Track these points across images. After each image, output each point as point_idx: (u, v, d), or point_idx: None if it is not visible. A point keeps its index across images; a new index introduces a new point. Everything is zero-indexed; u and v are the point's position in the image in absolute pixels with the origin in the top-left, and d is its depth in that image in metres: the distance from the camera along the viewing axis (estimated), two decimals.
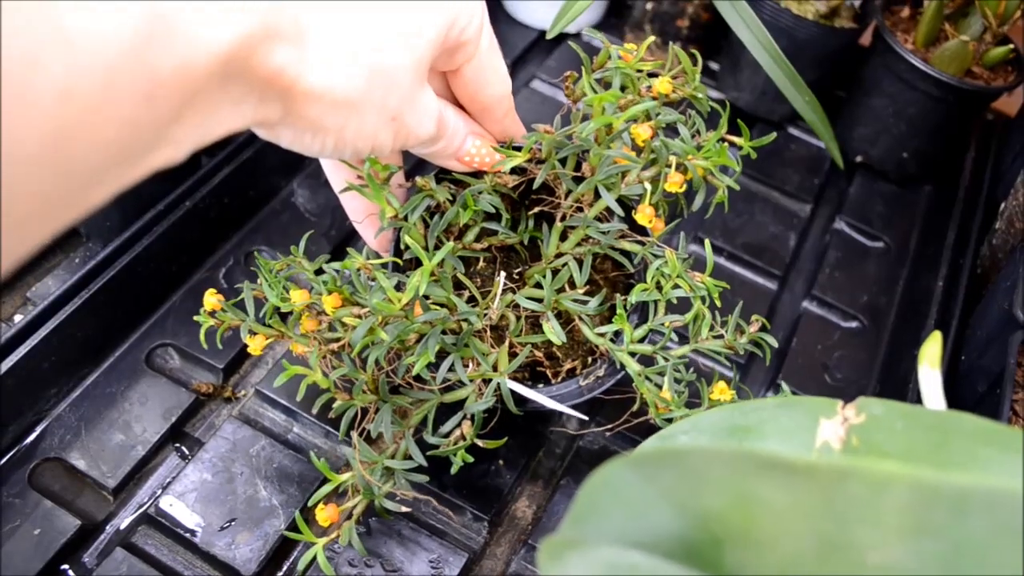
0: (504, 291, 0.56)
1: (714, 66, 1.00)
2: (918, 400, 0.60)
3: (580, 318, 0.57)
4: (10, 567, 0.56)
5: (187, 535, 0.59)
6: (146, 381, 0.65)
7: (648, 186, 0.54)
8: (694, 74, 0.55)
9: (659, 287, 0.56)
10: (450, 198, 0.56)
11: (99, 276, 0.65)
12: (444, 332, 0.53)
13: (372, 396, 0.55)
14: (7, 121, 0.25)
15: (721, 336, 0.56)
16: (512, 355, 0.56)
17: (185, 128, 0.33)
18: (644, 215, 0.53)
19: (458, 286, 0.57)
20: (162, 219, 0.69)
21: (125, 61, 0.28)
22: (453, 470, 0.53)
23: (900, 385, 0.71)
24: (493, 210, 0.56)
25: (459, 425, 0.54)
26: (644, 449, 0.37)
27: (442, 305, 0.55)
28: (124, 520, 0.60)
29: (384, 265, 0.56)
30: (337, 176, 0.55)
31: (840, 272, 0.84)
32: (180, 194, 0.71)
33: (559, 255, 0.58)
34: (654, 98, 0.53)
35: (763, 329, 0.57)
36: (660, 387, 0.54)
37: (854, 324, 0.80)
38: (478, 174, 0.55)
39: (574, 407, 0.56)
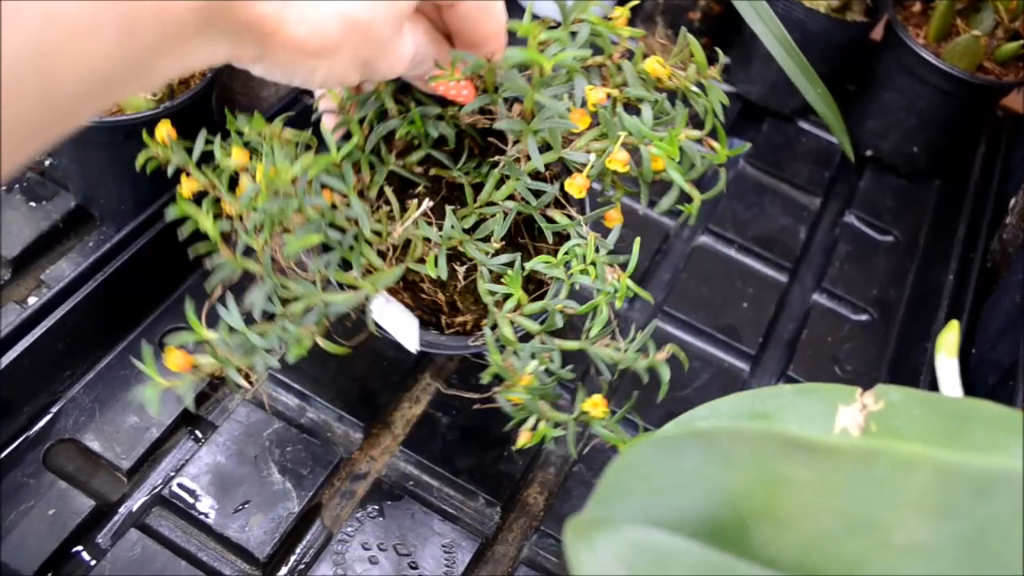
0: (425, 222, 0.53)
1: (725, 59, 1.00)
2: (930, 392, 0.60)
3: (480, 272, 0.53)
4: (25, 547, 0.57)
5: (201, 517, 0.59)
6: (160, 364, 0.66)
7: (592, 157, 0.50)
8: (702, 65, 0.53)
9: (567, 267, 0.51)
10: (404, 110, 0.54)
11: (113, 259, 0.65)
12: (338, 229, 0.51)
13: (255, 264, 0.51)
14: None
15: (619, 349, 0.51)
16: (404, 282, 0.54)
17: (162, 63, 0.33)
18: (575, 185, 0.49)
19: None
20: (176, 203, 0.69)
21: None
22: (290, 359, 0.49)
23: (910, 378, 0.71)
24: (441, 137, 0.54)
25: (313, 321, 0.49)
26: (667, 431, 0.37)
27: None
28: (138, 501, 0.61)
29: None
30: None
31: (850, 265, 0.84)
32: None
33: (490, 204, 0.54)
34: (619, 64, 0.51)
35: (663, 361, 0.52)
36: (524, 370, 0.49)
37: (864, 317, 0.80)
38: (444, 101, 0.53)
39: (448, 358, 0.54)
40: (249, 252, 0.51)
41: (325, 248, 0.51)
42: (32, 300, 0.69)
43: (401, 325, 0.53)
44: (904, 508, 0.29)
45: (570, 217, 0.54)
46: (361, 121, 0.54)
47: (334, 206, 0.50)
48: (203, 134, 0.54)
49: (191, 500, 0.60)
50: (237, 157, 0.52)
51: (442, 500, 0.63)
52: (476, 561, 0.61)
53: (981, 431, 0.37)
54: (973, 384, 0.67)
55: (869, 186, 0.91)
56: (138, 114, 0.62)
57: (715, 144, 0.52)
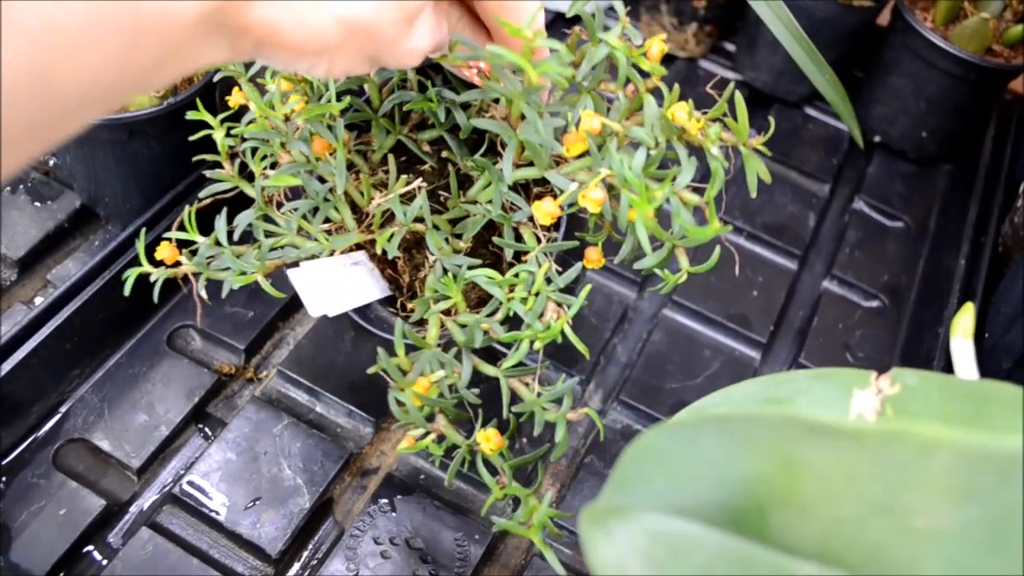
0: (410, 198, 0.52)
1: (731, 47, 0.99)
2: None
3: (433, 266, 0.52)
4: (36, 547, 0.57)
5: (212, 514, 0.59)
6: (168, 362, 0.65)
7: (574, 186, 0.46)
8: (741, 133, 0.49)
9: (511, 290, 0.49)
10: (422, 79, 0.53)
11: (119, 258, 0.65)
12: (320, 180, 0.52)
13: (250, 187, 0.54)
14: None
15: (528, 384, 0.49)
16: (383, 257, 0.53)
17: (163, 70, 0.33)
18: (542, 210, 0.46)
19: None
20: (181, 200, 0.69)
21: (111, 4, 0.29)
22: (233, 284, 0.52)
23: (923, 363, 0.71)
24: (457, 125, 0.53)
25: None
26: (681, 417, 0.36)
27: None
28: (149, 500, 0.60)
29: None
30: None
31: (860, 252, 0.83)
32: (198, 177, 0.70)
33: (474, 202, 0.52)
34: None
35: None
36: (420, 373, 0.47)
37: (875, 303, 0.79)
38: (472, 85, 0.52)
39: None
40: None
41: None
42: (39, 300, 0.69)
43: (346, 286, 0.52)
44: (926, 491, 0.29)
45: (539, 239, 0.51)
46: (383, 85, 0.54)
47: (329, 155, 0.51)
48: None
49: (202, 498, 0.59)
50: (284, 83, 0.53)
51: (454, 493, 0.62)
52: (489, 554, 0.60)
53: (1001, 413, 0.36)
54: (988, 369, 0.67)
55: (878, 172, 0.91)
56: (142, 111, 0.62)
57: (692, 198, 0.47)
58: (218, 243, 0.53)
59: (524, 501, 0.48)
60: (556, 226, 0.53)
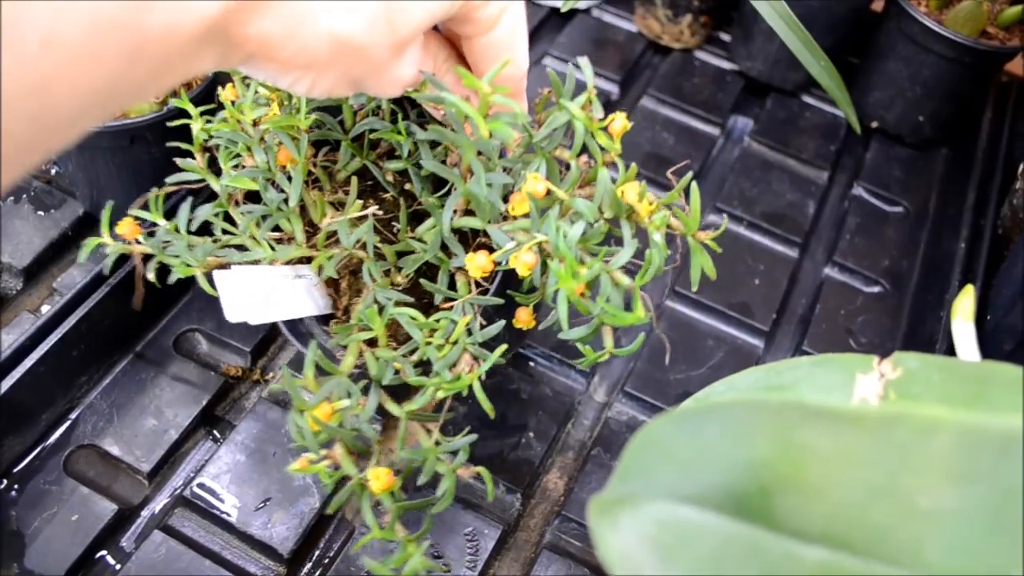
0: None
1: (726, 37, 1.00)
2: None
3: (365, 296, 0.52)
4: (50, 553, 0.57)
5: (224, 516, 0.59)
6: (175, 366, 0.66)
7: (511, 244, 0.46)
8: (691, 227, 0.48)
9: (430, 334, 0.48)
10: (396, 109, 0.54)
11: (124, 265, 0.65)
12: (278, 189, 0.53)
13: (216, 181, 0.55)
14: None
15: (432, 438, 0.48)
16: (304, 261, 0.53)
17: (159, 82, 0.33)
18: (474, 263, 0.45)
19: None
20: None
21: (113, 19, 0.29)
22: (172, 279, 0.54)
23: (926, 347, 0.71)
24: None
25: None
26: (685, 407, 0.37)
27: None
28: (160, 503, 0.61)
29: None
30: None
31: (860, 238, 0.83)
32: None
33: (422, 240, 0.52)
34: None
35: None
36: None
37: (876, 288, 0.80)
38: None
39: None
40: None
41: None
42: (45, 308, 0.69)
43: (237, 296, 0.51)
44: (928, 472, 0.29)
45: (470, 290, 0.50)
46: (359, 109, 0.54)
47: (284, 168, 0.52)
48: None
49: (213, 500, 0.60)
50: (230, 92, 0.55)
51: (463, 489, 0.63)
52: (499, 548, 0.61)
53: (1002, 393, 0.37)
54: (989, 351, 0.67)
55: (876, 157, 0.91)
56: (142, 117, 0.62)
57: (645, 298, 0.44)
58: (177, 230, 0.54)
59: (402, 546, 0.46)
60: (492, 279, 0.52)
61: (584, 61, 0.48)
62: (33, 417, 0.62)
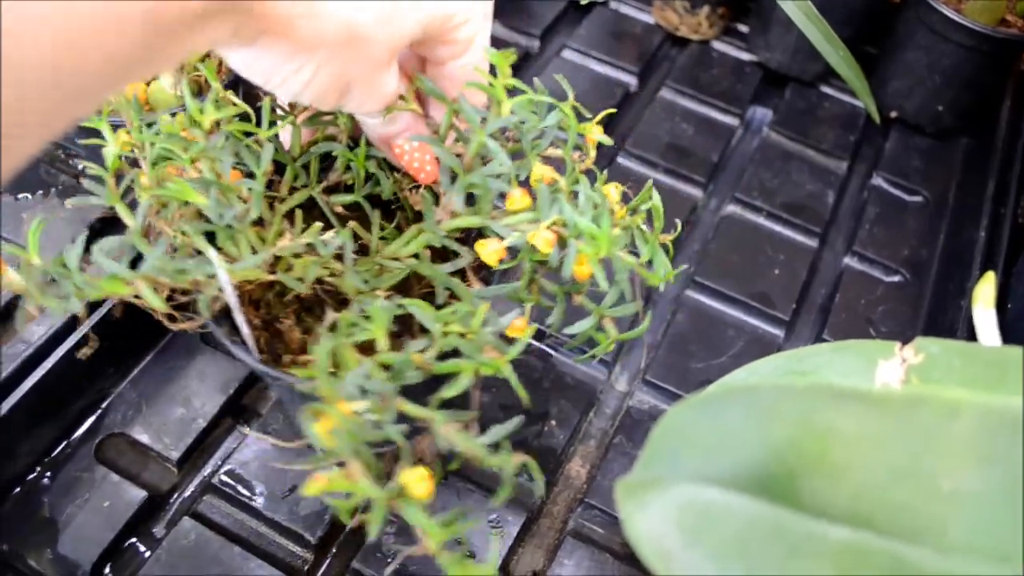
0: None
1: (744, 28, 1.00)
2: None
3: (350, 306, 0.47)
4: (82, 539, 0.58)
5: (251, 503, 0.60)
6: (202, 357, 0.67)
7: (516, 234, 0.45)
8: (658, 215, 0.49)
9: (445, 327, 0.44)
10: (351, 143, 0.52)
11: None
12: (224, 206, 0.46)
13: (126, 211, 0.47)
14: (16, 26, 0.26)
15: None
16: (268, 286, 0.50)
17: (172, 49, 0.34)
18: (488, 250, 0.44)
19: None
20: None
21: None
22: (91, 296, 0.44)
23: (946, 335, 0.71)
24: (379, 193, 0.52)
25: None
26: (711, 390, 0.37)
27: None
28: (189, 490, 0.62)
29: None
30: None
31: (880, 227, 0.84)
32: None
33: (394, 259, 0.50)
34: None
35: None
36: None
37: (896, 278, 0.80)
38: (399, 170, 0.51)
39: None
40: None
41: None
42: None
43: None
44: (951, 454, 0.29)
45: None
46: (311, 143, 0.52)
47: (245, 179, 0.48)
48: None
49: (241, 487, 0.61)
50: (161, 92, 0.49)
51: (487, 476, 0.64)
52: (523, 535, 0.62)
53: (1022, 377, 0.37)
54: (1011, 338, 0.67)
55: (895, 147, 0.91)
56: (167, 111, 0.63)
57: (650, 274, 0.46)
58: (64, 266, 0.44)
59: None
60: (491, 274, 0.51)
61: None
62: (65, 407, 0.63)
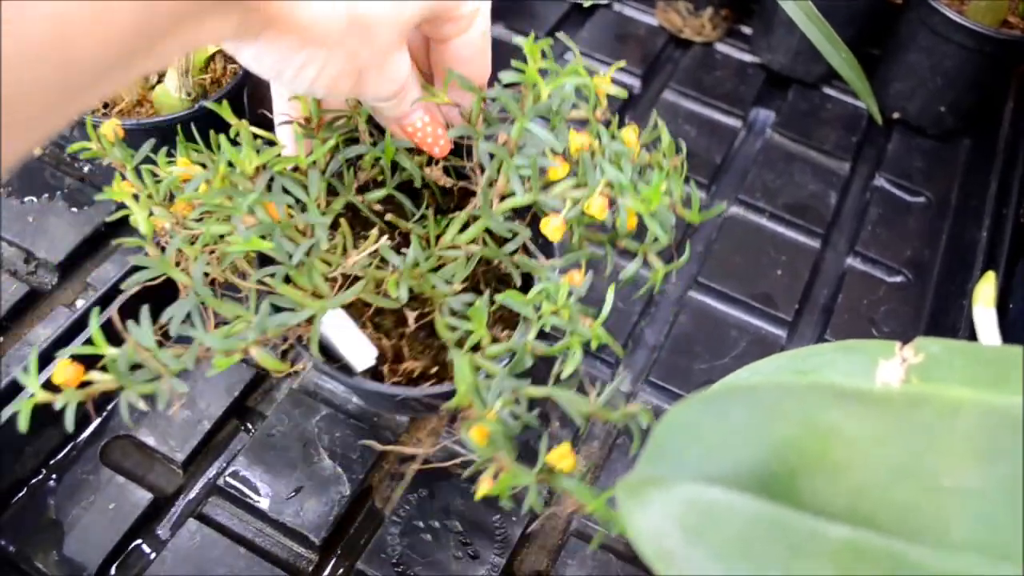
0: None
1: (747, 30, 1.00)
2: None
3: (440, 309, 0.50)
4: (88, 541, 0.58)
5: (256, 504, 0.60)
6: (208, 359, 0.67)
7: (568, 201, 0.47)
8: (670, 151, 0.51)
9: (537, 309, 0.47)
10: (374, 141, 0.52)
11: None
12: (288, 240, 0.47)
13: (183, 276, 0.46)
14: (15, 15, 0.26)
15: (584, 392, 0.46)
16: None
17: (173, 40, 0.33)
18: (551, 226, 0.46)
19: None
20: None
21: None
22: (211, 372, 0.45)
23: (948, 336, 0.71)
24: (412, 181, 0.52)
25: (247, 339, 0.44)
26: (713, 389, 0.37)
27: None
28: (194, 492, 0.62)
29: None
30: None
31: (882, 228, 0.84)
32: None
33: (452, 248, 0.51)
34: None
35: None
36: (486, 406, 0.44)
37: (899, 279, 0.80)
38: (416, 151, 0.52)
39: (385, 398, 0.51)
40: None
41: (265, 264, 0.47)
42: (80, 303, 0.71)
43: (352, 346, 0.50)
44: (951, 452, 0.30)
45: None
46: (325, 141, 0.52)
47: (288, 217, 0.48)
48: (150, 142, 0.50)
49: (245, 489, 0.61)
50: (183, 165, 0.48)
51: None
52: (527, 536, 0.62)
53: (1022, 376, 0.37)
54: (1013, 338, 0.67)
55: (898, 148, 0.91)
56: (174, 114, 0.64)
57: (685, 213, 0.49)
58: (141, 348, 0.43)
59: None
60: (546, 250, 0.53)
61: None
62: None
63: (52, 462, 0.62)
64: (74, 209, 0.74)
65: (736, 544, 0.31)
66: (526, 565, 0.61)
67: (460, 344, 0.48)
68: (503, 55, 0.49)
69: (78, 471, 0.61)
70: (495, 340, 0.48)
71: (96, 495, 0.60)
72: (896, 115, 0.93)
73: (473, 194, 0.53)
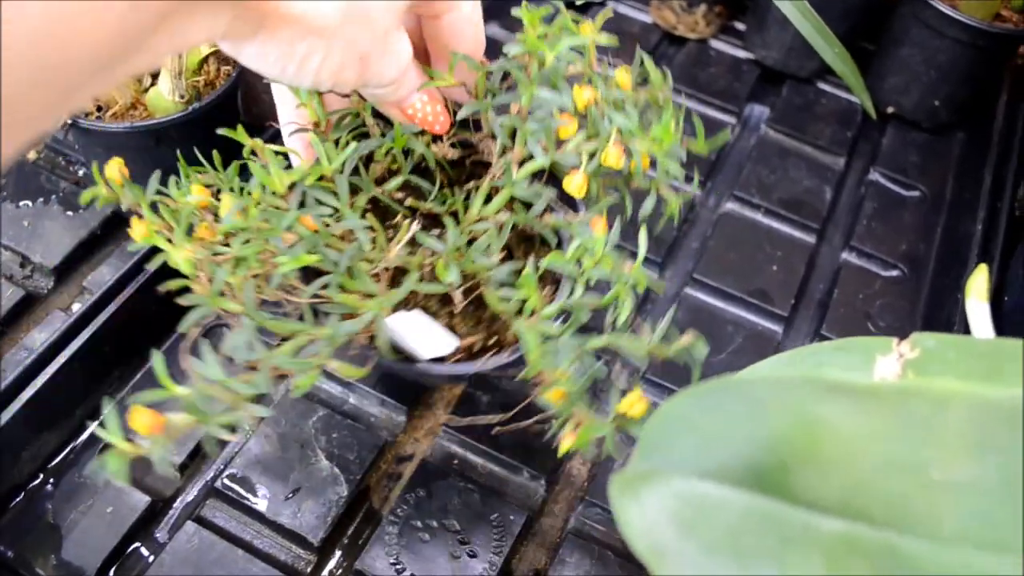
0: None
1: (740, 26, 1.00)
2: None
3: (487, 283, 0.50)
4: (86, 545, 0.58)
5: (254, 506, 0.60)
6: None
7: (584, 155, 0.49)
8: (658, 84, 0.53)
9: (579, 264, 0.49)
10: (383, 132, 0.53)
11: (151, 260, 0.66)
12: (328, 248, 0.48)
13: (236, 305, 0.46)
14: (7, 16, 0.25)
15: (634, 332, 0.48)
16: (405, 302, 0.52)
17: (162, 37, 0.33)
18: (574, 183, 0.48)
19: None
20: None
21: None
22: (295, 393, 0.45)
23: (944, 329, 0.71)
24: (424, 162, 0.53)
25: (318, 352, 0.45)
26: (707, 383, 0.37)
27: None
28: (192, 495, 0.62)
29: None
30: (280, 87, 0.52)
31: (877, 222, 0.84)
32: None
33: (480, 220, 0.52)
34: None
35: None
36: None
37: (894, 273, 0.80)
38: (420, 132, 0.52)
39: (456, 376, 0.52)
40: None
41: (308, 276, 0.48)
42: (76, 307, 0.71)
43: (431, 338, 0.51)
44: (943, 445, 0.30)
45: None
46: (336, 142, 0.52)
47: (324, 226, 0.48)
48: (156, 175, 0.50)
49: (243, 491, 0.61)
50: (198, 193, 0.48)
51: (487, 477, 0.64)
52: (524, 534, 0.62)
53: (1016, 368, 0.37)
54: (1007, 331, 0.67)
55: (892, 143, 0.91)
56: (168, 117, 0.64)
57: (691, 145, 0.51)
58: (208, 381, 0.44)
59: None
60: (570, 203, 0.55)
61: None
62: (67, 412, 0.63)
63: (49, 466, 0.62)
64: (69, 213, 0.74)
65: (729, 538, 0.31)
66: (524, 563, 0.61)
67: (516, 314, 0.49)
68: (499, 54, 0.49)
69: (75, 475, 0.61)
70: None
71: (94, 499, 0.60)
72: (890, 109, 0.93)
73: (482, 164, 0.54)
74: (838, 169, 0.88)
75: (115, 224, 0.75)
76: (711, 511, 0.31)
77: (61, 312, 0.70)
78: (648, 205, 0.51)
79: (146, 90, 0.67)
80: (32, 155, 0.78)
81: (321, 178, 0.50)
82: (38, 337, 0.68)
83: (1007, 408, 0.29)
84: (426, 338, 0.51)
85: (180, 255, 0.48)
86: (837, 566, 0.29)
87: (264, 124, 0.59)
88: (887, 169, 0.88)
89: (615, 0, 1.01)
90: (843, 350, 0.44)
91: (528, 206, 0.52)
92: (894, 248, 0.82)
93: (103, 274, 0.72)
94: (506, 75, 0.51)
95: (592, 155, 0.49)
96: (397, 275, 0.52)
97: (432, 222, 0.56)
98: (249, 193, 0.49)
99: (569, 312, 0.49)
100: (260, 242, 0.46)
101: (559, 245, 0.55)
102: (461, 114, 0.50)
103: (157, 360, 0.42)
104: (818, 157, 0.89)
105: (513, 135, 0.50)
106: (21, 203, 0.74)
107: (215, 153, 0.50)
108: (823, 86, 0.96)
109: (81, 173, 0.77)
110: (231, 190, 0.49)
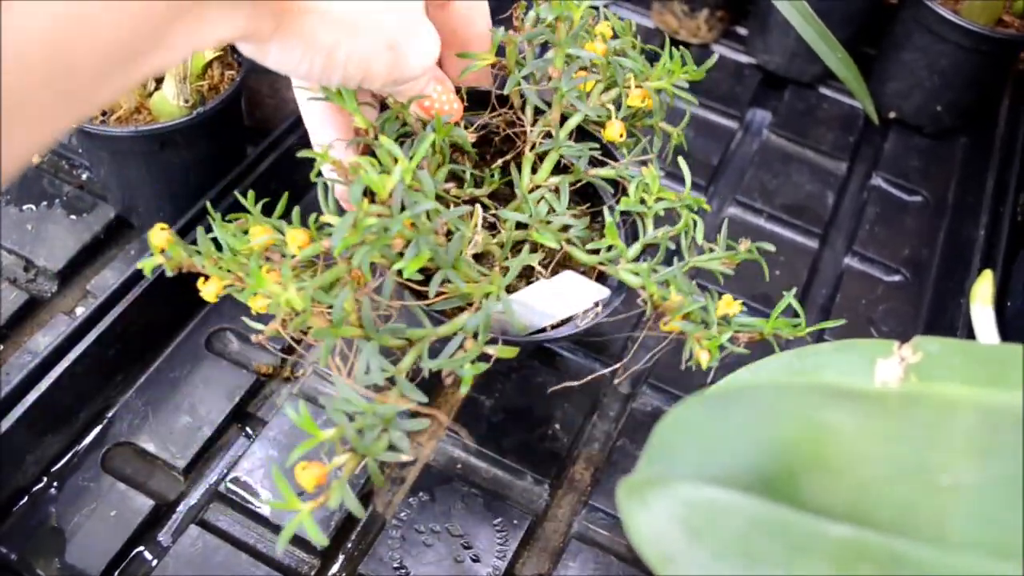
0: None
1: (742, 31, 1.00)
2: None
3: (569, 242, 0.52)
4: (90, 548, 0.58)
5: (258, 510, 0.60)
6: (208, 365, 0.67)
7: (611, 106, 0.53)
8: (625, 30, 0.57)
9: (643, 203, 0.53)
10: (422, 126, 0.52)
11: (156, 266, 0.67)
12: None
13: (356, 329, 0.46)
14: (12, 21, 0.25)
15: (712, 250, 0.55)
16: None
17: (179, 34, 0.32)
18: (613, 131, 0.52)
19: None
20: (214, 207, 0.70)
21: None
22: (463, 390, 0.45)
23: (947, 334, 0.71)
24: (461, 145, 0.53)
25: (461, 345, 0.46)
26: (713, 389, 0.38)
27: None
28: (195, 498, 0.62)
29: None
30: (305, 95, 0.50)
31: (880, 227, 0.84)
32: (228, 184, 0.72)
33: (534, 189, 0.54)
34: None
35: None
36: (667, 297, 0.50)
37: (897, 278, 0.80)
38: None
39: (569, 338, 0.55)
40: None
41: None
42: (80, 310, 0.71)
43: (576, 293, 0.52)
44: (950, 450, 0.30)
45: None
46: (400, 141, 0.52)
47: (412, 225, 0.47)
48: (201, 232, 0.50)
49: (247, 494, 0.61)
50: (259, 234, 0.48)
51: (491, 481, 0.64)
52: (528, 539, 0.62)
53: (1020, 373, 0.37)
54: (1011, 336, 0.67)
55: (895, 148, 0.92)
56: (172, 122, 0.64)
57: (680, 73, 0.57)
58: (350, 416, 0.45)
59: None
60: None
61: None
62: (71, 416, 0.63)
63: (53, 470, 0.62)
64: (73, 217, 0.74)
65: (737, 544, 0.31)
66: (528, 568, 0.61)
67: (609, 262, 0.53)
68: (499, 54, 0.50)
69: (79, 479, 0.61)
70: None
71: (98, 502, 0.60)
72: (892, 114, 0.93)
73: (509, 139, 0.56)
74: (840, 174, 0.88)
75: (118, 228, 0.75)
76: (719, 517, 0.31)
77: (65, 316, 0.70)
78: (683, 123, 0.57)
79: (150, 95, 0.67)
80: (36, 159, 0.78)
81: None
82: (42, 341, 0.68)
83: (1012, 413, 0.29)
84: (577, 295, 0.52)
85: (290, 291, 0.45)
86: (845, 572, 0.29)
87: (267, 129, 0.59)
88: (889, 174, 0.89)
89: (616, 5, 1.02)
90: (844, 351, 0.45)
91: (565, 168, 0.55)
92: (897, 253, 0.82)
93: (106, 278, 0.72)
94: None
95: (617, 102, 0.53)
96: (478, 260, 0.52)
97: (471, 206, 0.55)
98: (316, 221, 0.48)
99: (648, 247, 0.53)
100: (375, 253, 0.44)
101: (595, 195, 0.57)
102: (507, 88, 0.53)
103: (304, 419, 0.44)
104: (820, 162, 0.89)
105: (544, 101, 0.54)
106: (25, 207, 0.74)
107: (250, 193, 0.50)
108: (825, 91, 0.96)
109: (84, 177, 0.77)
110: (289, 223, 0.48)
